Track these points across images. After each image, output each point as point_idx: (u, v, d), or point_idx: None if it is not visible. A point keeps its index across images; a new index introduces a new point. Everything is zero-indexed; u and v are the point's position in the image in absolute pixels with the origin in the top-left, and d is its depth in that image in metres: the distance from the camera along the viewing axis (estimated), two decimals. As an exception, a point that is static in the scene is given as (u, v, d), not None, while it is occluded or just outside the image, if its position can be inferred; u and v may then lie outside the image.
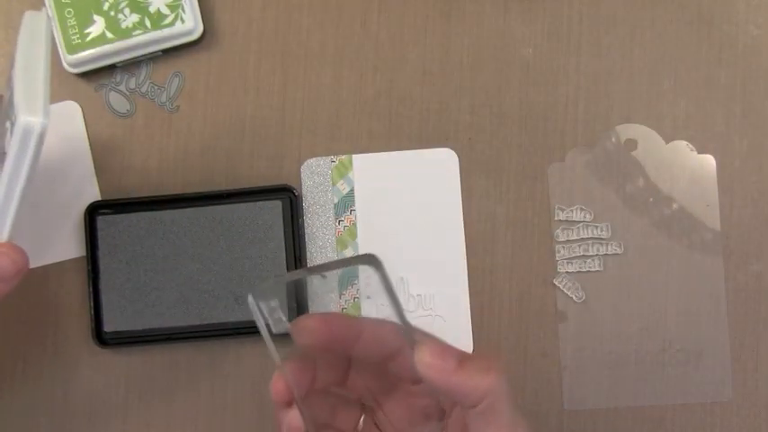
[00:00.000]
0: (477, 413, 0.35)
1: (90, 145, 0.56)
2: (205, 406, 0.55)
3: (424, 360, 0.35)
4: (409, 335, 0.36)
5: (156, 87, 0.56)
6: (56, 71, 0.53)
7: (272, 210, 0.54)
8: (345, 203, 0.55)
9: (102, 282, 0.54)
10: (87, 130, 0.56)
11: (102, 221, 0.54)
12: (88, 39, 0.53)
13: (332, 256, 0.55)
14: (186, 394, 0.55)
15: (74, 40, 0.53)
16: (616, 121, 0.56)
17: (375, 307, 0.53)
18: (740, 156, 0.56)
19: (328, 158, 0.55)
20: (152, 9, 0.54)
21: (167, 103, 0.56)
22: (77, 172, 0.55)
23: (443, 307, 0.55)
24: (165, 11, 0.54)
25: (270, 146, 0.56)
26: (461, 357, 0.35)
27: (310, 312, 0.53)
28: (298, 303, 0.53)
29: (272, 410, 0.56)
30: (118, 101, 0.56)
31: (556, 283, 0.55)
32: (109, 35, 0.53)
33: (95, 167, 0.55)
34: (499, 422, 0.35)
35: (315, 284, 0.54)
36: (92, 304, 0.53)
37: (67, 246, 0.55)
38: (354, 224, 0.55)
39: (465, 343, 0.54)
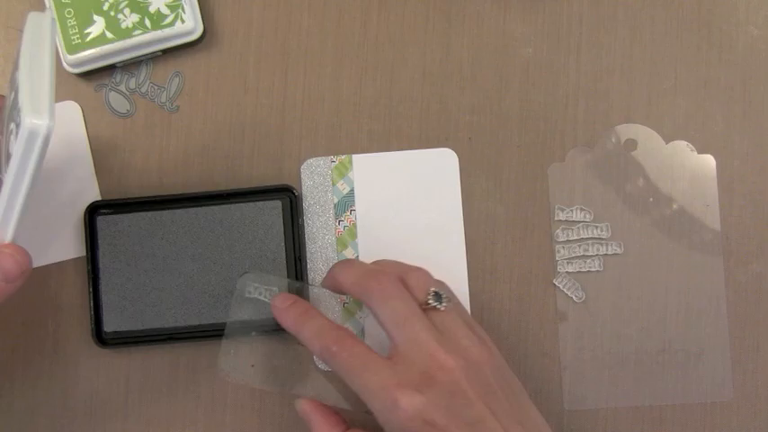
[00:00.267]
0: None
1: (90, 145, 0.56)
2: (205, 406, 0.55)
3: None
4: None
5: (156, 87, 0.56)
6: (56, 71, 0.53)
7: (272, 210, 0.54)
8: (345, 203, 0.55)
9: (102, 282, 0.54)
10: (87, 130, 0.56)
11: (102, 221, 0.54)
12: (88, 39, 0.53)
13: (332, 256, 0.55)
14: (186, 394, 0.55)
15: (74, 40, 0.53)
16: (616, 121, 0.56)
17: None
18: (740, 156, 0.55)
19: (328, 158, 0.55)
20: (152, 9, 0.54)
21: (167, 103, 0.56)
22: (77, 172, 0.55)
23: (443, 307, 0.54)
24: (165, 11, 0.54)
25: (270, 146, 0.56)
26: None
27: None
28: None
29: (272, 410, 0.56)
30: (118, 101, 0.56)
31: (556, 283, 0.55)
32: (109, 35, 0.53)
33: (95, 167, 0.55)
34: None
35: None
36: (92, 304, 0.53)
37: (67, 246, 0.55)
38: (354, 224, 0.55)
39: (465, 343, 0.54)
